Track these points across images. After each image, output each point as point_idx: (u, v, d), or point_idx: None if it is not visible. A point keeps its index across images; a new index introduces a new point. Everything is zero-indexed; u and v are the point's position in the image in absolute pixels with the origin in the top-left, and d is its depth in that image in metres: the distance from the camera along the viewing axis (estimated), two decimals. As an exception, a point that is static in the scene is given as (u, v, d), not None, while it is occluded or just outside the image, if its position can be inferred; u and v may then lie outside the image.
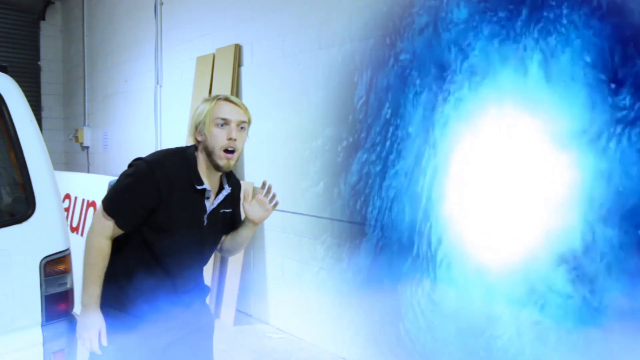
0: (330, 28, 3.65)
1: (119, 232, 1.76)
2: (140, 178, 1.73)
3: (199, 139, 1.80)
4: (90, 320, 1.75)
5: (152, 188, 1.72)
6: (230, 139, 1.76)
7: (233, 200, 1.96)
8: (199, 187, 1.79)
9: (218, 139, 1.76)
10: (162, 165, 1.75)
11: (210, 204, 1.85)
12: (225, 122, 1.77)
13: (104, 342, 1.75)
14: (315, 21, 3.76)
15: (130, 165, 1.78)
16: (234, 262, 4.34)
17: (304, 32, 3.86)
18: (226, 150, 1.77)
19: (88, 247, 1.75)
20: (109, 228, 1.74)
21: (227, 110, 1.78)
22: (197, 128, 1.80)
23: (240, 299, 4.34)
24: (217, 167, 1.81)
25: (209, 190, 1.83)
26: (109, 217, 1.73)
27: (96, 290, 1.75)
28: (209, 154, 1.79)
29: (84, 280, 1.76)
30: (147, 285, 1.78)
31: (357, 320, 3.47)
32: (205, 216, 1.84)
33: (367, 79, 3.37)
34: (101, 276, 1.75)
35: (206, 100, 1.83)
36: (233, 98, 1.82)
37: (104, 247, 1.75)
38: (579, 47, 2.36)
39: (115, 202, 1.75)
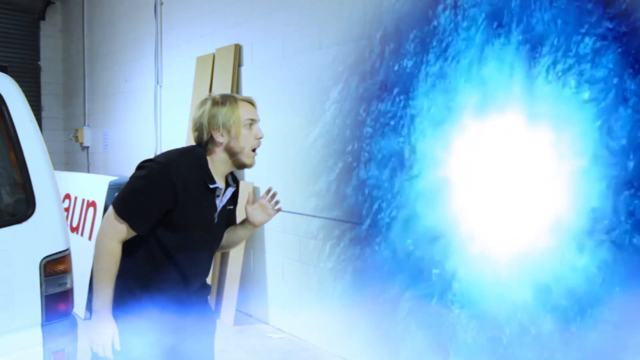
0: (330, 28, 3.65)
1: (132, 235, 1.74)
2: (155, 180, 1.72)
3: (221, 140, 1.80)
4: (104, 325, 1.73)
5: (168, 189, 1.71)
6: (259, 138, 1.84)
7: (234, 196, 1.98)
8: (212, 186, 1.80)
9: (248, 139, 1.81)
10: (176, 166, 1.74)
11: (220, 202, 1.87)
12: (252, 123, 1.83)
13: (117, 347, 1.74)
14: (315, 21, 3.76)
15: (140, 167, 1.76)
16: (234, 262, 4.34)
17: (304, 32, 3.86)
18: (253, 149, 1.84)
19: (100, 251, 1.73)
20: (122, 231, 1.72)
21: (252, 111, 1.84)
22: (218, 129, 1.78)
23: (240, 299, 4.34)
24: (242, 166, 1.85)
25: (220, 189, 1.84)
26: (122, 220, 1.71)
27: (109, 294, 1.73)
28: (235, 154, 1.81)
29: (96, 285, 1.73)
30: (158, 286, 1.78)
31: (357, 320, 3.47)
32: (216, 214, 1.86)
33: (367, 79, 3.37)
34: (113, 280, 1.73)
35: (220, 102, 1.81)
36: (250, 98, 1.88)
37: (116, 251, 1.73)
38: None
39: (130, 205, 1.72)
